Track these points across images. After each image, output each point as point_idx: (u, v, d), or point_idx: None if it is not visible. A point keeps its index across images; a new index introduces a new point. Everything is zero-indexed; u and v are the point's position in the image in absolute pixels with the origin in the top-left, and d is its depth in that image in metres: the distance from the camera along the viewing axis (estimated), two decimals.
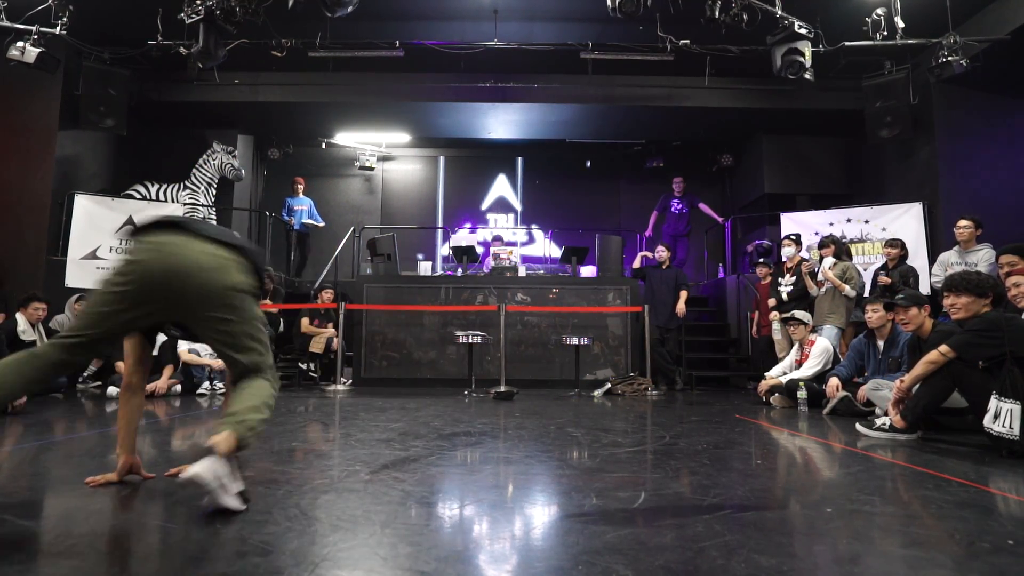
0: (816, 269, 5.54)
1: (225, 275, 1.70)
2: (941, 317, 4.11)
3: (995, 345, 2.63)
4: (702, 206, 8.65)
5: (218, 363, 5.34)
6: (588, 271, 7.62)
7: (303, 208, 8.83)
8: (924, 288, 5.60)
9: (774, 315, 5.89)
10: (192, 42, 5.71)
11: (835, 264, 5.34)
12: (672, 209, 8.68)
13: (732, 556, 1.30)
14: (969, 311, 2.90)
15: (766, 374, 5.04)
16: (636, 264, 7.04)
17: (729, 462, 2.42)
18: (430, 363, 6.53)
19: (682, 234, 8.53)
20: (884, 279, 5.48)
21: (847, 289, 5.15)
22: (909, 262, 5.71)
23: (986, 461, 2.45)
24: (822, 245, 5.64)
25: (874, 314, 4.17)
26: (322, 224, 8.93)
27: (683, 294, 6.48)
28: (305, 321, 6.57)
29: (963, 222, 5.16)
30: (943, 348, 2.80)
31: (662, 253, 6.71)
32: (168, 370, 5.18)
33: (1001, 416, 2.49)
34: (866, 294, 5.55)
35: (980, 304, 2.87)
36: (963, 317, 2.94)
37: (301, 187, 8.96)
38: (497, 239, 8.64)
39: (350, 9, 5.38)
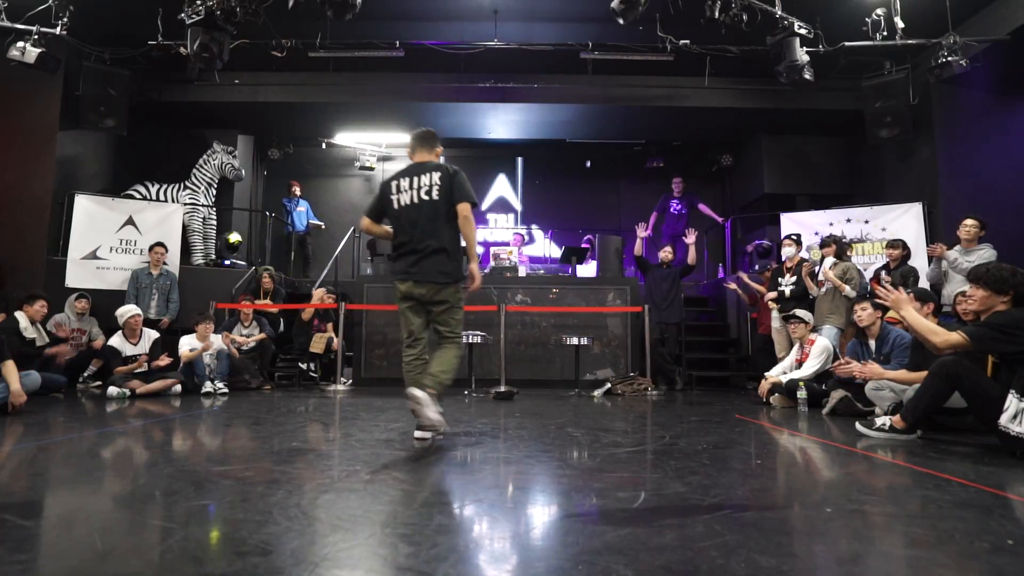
0: (817, 270, 5.55)
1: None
2: (942, 317, 4.12)
3: (1015, 342, 2.61)
4: (702, 206, 8.65)
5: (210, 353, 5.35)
6: (589, 268, 7.62)
7: (302, 210, 8.98)
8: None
9: (772, 294, 5.89)
10: (193, 42, 5.70)
11: (836, 264, 5.34)
12: (671, 209, 8.68)
13: (732, 556, 1.30)
14: (983, 305, 2.87)
15: (766, 374, 5.04)
16: (637, 250, 6.75)
17: (729, 462, 2.42)
18: None
19: (681, 234, 8.52)
20: (886, 278, 5.48)
21: (847, 289, 5.15)
22: (908, 262, 5.70)
23: (986, 461, 2.45)
24: (823, 245, 5.64)
25: (863, 312, 4.17)
26: (323, 226, 9.10)
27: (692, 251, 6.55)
28: (307, 312, 6.57)
29: (969, 221, 5.17)
30: (960, 334, 2.74)
31: (668, 254, 6.71)
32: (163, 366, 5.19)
33: (1021, 416, 2.45)
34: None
35: (996, 300, 2.83)
36: (976, 310, 2.91)
37: (298, 189, 9.07)
38: (518, 236, 8.63)
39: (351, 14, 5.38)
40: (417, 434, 2.79)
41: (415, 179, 2.96)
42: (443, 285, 2.94)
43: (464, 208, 2.89)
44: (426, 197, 2.91)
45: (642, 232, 6.77)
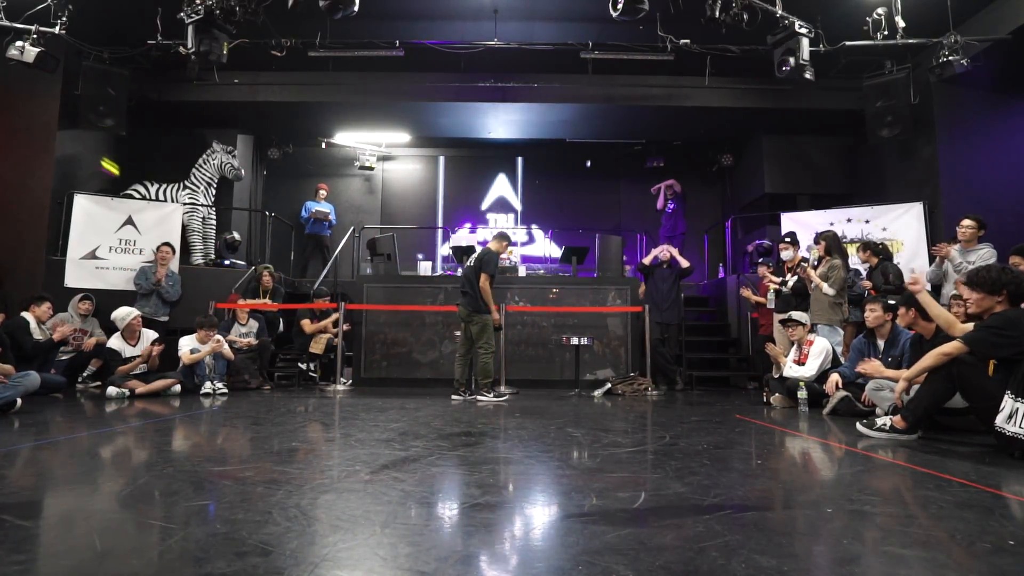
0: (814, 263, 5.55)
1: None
2: None
3: (1012, 344, 2.61)
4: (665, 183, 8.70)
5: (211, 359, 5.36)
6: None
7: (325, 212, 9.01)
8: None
9: (772, 285, 5.88)
10: (196, 41, 5.67)
11: (825, 261, 5.30)
12: (666, 209, 8.69)
13: (732, 556, 1.30)
14: (980, 307, 2.89)
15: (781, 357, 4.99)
16: (647, 260, 6.83)
17: (729, 462, 2.42)
18: (430, 363, 6.52)
19: (676, 233, 8.52)
20: (866, 283, 5.48)
21: (825, 287, 5.11)
22: (909, 262, 5.70)
23: (986, 461, 2.45)
24: (816, 242, 5.64)
25: (871, 314, 4.17)
26: (330, 215, 9.12)
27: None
28: (307, 323, 6.56)
29: (966, 221, 5.16)
30: (956, 343, 2.79)
31: (666, 253, 6.71)
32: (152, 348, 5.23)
33: (1017, 416, 2.45)
34: (865, 295, 5.55)
35: (992, 301, 2.84)
36: (975, 312, 2.94)
37: (324, 192, 9.06)
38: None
39: (354, 9, 5.36)
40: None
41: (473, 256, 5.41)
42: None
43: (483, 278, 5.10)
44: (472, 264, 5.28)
45: (662, 253, 6.82)
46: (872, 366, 3.67)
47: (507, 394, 5.16)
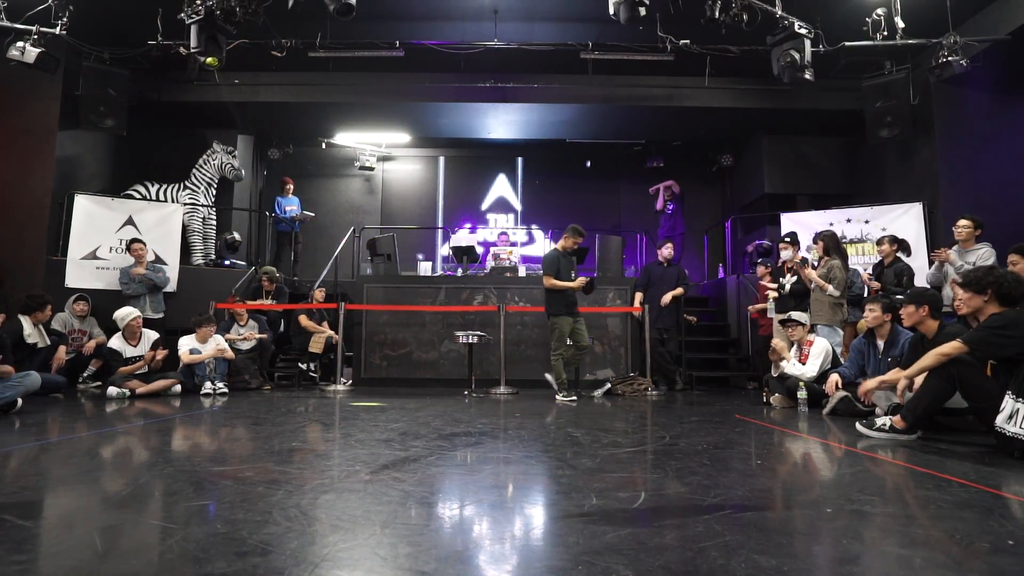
0: (814, 263, 5.54)
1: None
2: (946, 318, 4.10)
3: (1012, 344, 2.61)
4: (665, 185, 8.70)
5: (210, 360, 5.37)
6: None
7: (293, 208, 8.80)
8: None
9: (771, 293, 5.87)
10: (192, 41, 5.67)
11: (825, 261, 5.29)
12: (666, 210, 8.70)
13: (732, 556, 1.30)
14: (970, 307, 2.91)
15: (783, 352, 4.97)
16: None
17: (729, 462, 2.42)
18: (430, 363, 6.52)
19: (675, 234, 8.52)
20: (874, 284, 5.46)
21: (830, 288, 5.10)
22: (908, 262, 5.68)
23: (986, 461, 2.45)
24: (815, 242, 5.63)
25: (870, 314, 4.17)
26: (313, 215, 8.92)
27: (677, 290, 6.48)
28: (303, 317, 6.58)
29: (963, 221, 5.16)
30: (956, 343, 2.79)
31: (668, 251, 6.70)
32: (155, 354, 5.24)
33: (1018, 417, 2.45)
34: (866, 294, 5.54)
35: (979, 300, 2.86)
36: (965, 313, 2.96)
37: (291, 186, 8.90)
38: (503, 236, 8.63)
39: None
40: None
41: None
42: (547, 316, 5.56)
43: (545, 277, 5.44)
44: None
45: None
46: (866, 387, 3.57)
47: (572, 397, 5.14)
